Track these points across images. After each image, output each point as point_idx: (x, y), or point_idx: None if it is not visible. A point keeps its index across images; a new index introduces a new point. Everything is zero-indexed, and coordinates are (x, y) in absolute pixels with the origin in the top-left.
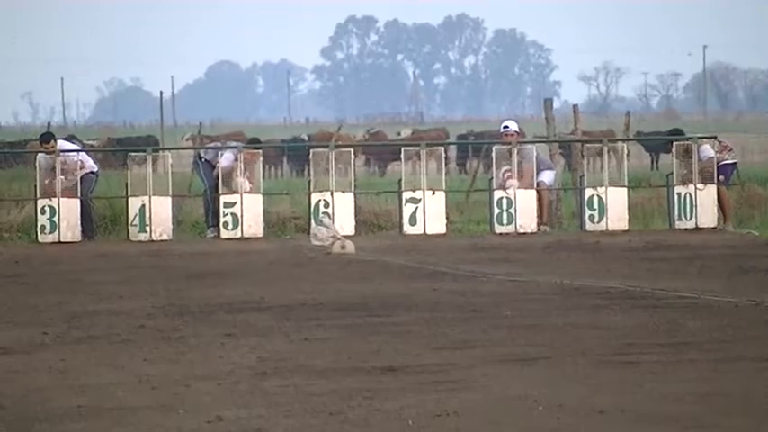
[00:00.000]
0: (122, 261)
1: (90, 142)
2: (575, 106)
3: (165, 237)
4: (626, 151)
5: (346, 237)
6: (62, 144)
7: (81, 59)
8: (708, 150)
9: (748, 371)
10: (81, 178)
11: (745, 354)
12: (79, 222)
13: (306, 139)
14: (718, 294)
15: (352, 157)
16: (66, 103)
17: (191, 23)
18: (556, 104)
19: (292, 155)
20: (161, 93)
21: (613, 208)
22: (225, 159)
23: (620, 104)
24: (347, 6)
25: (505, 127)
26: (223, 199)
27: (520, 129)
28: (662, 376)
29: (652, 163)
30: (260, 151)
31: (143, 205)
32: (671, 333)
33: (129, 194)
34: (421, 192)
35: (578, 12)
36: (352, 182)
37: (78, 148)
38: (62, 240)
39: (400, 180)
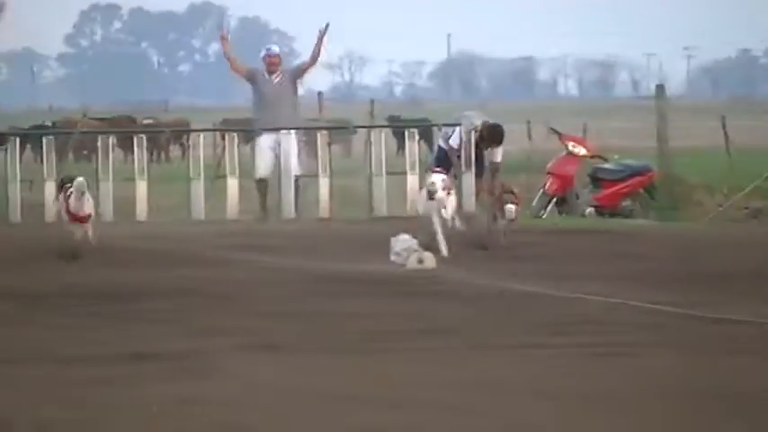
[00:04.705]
0: None
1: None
2: (319, 93)
3: None
4: (371, 138)
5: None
6: None
7: None
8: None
9: (502, 357)
10: None
11: (494, 340)
12: None
13: (50, 125)
14: (473, 281)
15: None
16: None
17: None
18: (300, 91)
19: (34, 143)
20: None
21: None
22: None
23: (365, 92)
24: None
25: (268, 48)
26: None
27: None
28: (415, 364)
29: (398, 149)
30: None
31: None
32: (425, 320)
33: None
34: None
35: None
36: (99, 169)
37: None
38: None
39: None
